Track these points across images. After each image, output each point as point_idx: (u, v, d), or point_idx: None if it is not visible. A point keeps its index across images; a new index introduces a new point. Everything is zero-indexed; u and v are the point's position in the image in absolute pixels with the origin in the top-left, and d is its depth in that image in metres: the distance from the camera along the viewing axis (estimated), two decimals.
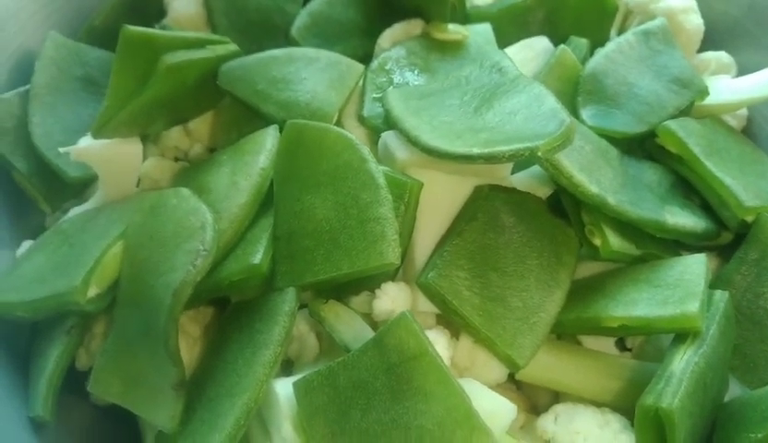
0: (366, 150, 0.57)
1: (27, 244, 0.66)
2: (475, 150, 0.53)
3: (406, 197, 0.57)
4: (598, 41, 0.78)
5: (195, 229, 0.55)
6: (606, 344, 0.65)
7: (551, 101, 0.57)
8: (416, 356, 0.49)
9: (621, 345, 0.68)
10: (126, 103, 0.61)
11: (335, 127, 0.59)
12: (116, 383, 0.55)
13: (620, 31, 0.82)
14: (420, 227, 0.59)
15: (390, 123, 0.62)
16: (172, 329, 0.52)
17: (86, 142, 0.63)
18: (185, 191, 0.58)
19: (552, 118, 0.55)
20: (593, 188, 0.58)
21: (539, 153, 0.52)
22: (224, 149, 0.65)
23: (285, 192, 0.59)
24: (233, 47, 0.68)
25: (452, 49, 0.72)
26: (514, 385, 0.64)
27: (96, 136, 0.62)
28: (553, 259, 0.59)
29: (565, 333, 0.62)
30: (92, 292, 0.56)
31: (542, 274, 0.58)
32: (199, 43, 0.65)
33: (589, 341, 0.64)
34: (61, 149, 0.63)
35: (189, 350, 0.59)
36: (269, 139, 0.62)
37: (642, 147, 0.70)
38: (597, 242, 0.60)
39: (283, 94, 0.66)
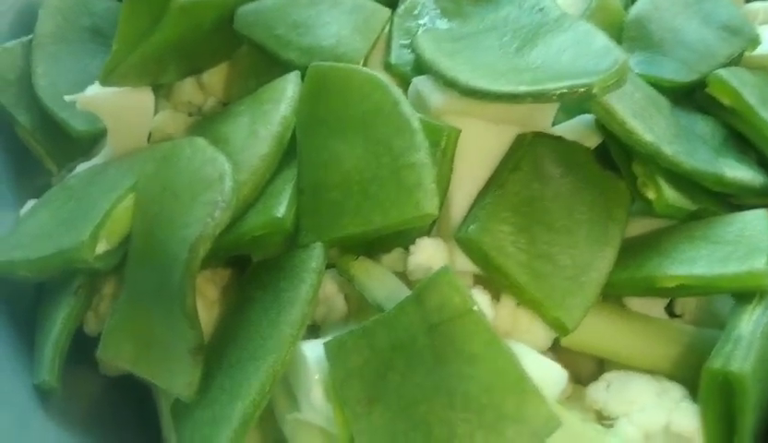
0: (397, 92, 0.52)
1: (31, 203, 0.62)
2: (522, 88, 0.48)
3: (443, 144, 0.52)
4: None
5: (212, 180, 0.50)
6: (655, 309, 0.60)
7: (602, 38, 0.52)
8: (460, 315, 0.44)
9: (670, 311, 0.63)
10: (136, 47, 0.56)
11: (363, 68, 0.55)
12: (128, 347, 0.51)
13: None
14: (457, 179, 0.54)
15: (421, 67, 0.57)
16: (188, 287, 0.47)
17: (93, 91, 0.59)
18: (200, 140, 0.54)
19: (605, 55, 0.50)
20: (647, 136, 0.53)
21: (594, 91, 0.47)
22: (242, 99, 0.60)
23: (309, 141, 0.54)
24: None
25: None
26: (554, 354, 0.59)
27: (104, 83, 0.58)
28: (603, 213, 0.53)
29: (614, 294, 0.57)
30: (101, 248, 0.52)
31: (592, 229, 0.53)
32: None
33: (636, 305, 0.59)
34: (67, 98, 0.58)
35: (207, 313, 0.55)
36: (290, 86, 0.57)
37: (691, 97, 0.65)
38: (651, 195, 0.55)
39: (305, 39, 0.61)
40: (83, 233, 0.51)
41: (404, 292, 0.49)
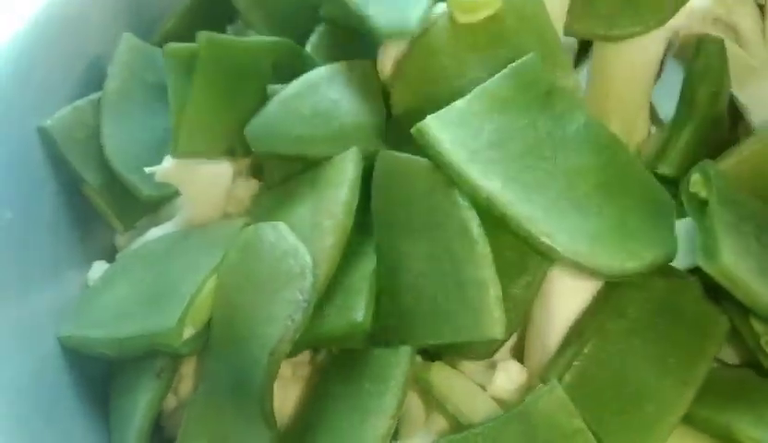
0: (456, 192, 0.48)
1: (99, 265, 0.62)
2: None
3: None
4: None
5: (294, 275, 0.49)
6: None
7: None
8: (569, 435, 0.44)
9: None
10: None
11: (424, 160, 0.49)
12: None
13: None
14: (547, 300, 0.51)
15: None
16: (268, 391, 0.47)
17: (171, 162, 0.59)
18: (282, 226, 0.52)
19: None
20: None
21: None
22: (301, 178, 0.58)
23: (385, 235, 0.53)
24: None
25: (485, 34, 0.55)
26: None
27: (174, 154, 0.58)
28: (696, 353, 0.50)
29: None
30: (187, 332, 0.52)
31: (680, 372, 0.49)
32: None
33: None
34: (147, 170, 0.59)
35: (281, 392, 0.54)
36: (350, 166, 0.54)
37: None
38: None
39: (327, 127, 0.57)
40: (171, 318, 0.50)
41: (492, 406, 0.49)
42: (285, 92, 0.59)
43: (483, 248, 0.47)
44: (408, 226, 0.52)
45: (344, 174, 0.54)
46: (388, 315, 0.52)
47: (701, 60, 0.58)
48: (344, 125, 0.57)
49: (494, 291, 0.46)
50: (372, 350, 0.51)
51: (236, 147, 0.63)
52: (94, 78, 0.66)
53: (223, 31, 0.73)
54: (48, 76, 0.64)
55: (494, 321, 0.46)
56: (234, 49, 0.60)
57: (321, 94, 0.59)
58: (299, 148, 0.57)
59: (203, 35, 0.58)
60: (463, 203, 0.48)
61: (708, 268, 0.46)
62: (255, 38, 0.65)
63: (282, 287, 0.49)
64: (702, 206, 0.50)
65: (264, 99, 0.59)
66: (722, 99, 0.59)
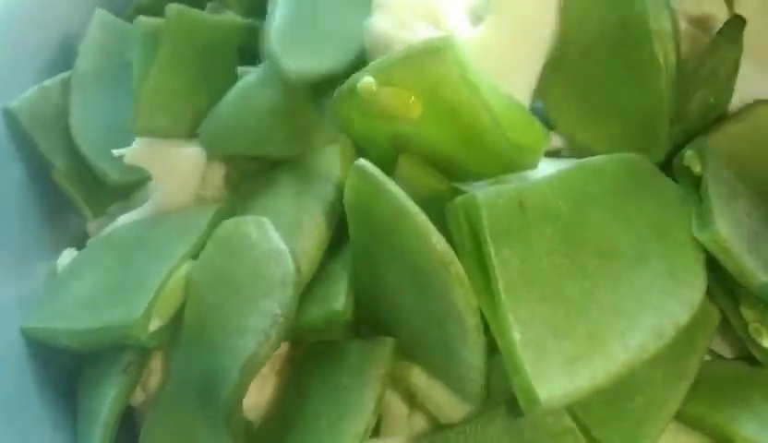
0: (421, 219, 0.41)
1: (69, 253, 0.59)
2: None
3: None
4: None
5: (275, 283, 0.46)
6: None
7: None
8: (557, 434, 0.43)
9: None
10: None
11: (388, 184, 0.43)
12: None
13: None
14: None
15: None
16: (237, 404, 0.45)
17: (142, 144, 0.56)
18: (266, 223, 0.49)
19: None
20: (762, 276, 0.45)
21: None
22: (286, 167, 0.54)
23: (361, 249, 0.48)
24: None
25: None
26: None
27: (134, 132, 0.55)
28: (687, 346, 0.48)
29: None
30: (154, 324, 0.49)
31: (670, 364, 0.47)
32: None
33: None
34: (115, 152, 0.56)
35: (259, 390, 0.52)
36: (336, 161, 0.51)
37: None
38: None
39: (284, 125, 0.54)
40: (136, 310, 0.48)
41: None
42: (233, 94, 0.55)
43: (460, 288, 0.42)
44: (385, 246, 0.46)
45: (330, 170, 0.51)
46: (367, 304, 0.49)
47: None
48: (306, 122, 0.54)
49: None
50: (350, 342, 0.49)
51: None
52: (65, 57, 0.63)
53: (202, 9, 0.70)
54: (16, 53, 0.62)
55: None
56: (203, 26, 0.58)
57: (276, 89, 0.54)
58: (257, 148, 0.55)
59: (173, 8, 0.56)
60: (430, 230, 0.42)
61: (702, 236, 0.45)
62: (226, 17, 0.63)
63: (261, 295, 0.46)
64: (695, 180, 0.49)
65: (232, 82, 0.57)
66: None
